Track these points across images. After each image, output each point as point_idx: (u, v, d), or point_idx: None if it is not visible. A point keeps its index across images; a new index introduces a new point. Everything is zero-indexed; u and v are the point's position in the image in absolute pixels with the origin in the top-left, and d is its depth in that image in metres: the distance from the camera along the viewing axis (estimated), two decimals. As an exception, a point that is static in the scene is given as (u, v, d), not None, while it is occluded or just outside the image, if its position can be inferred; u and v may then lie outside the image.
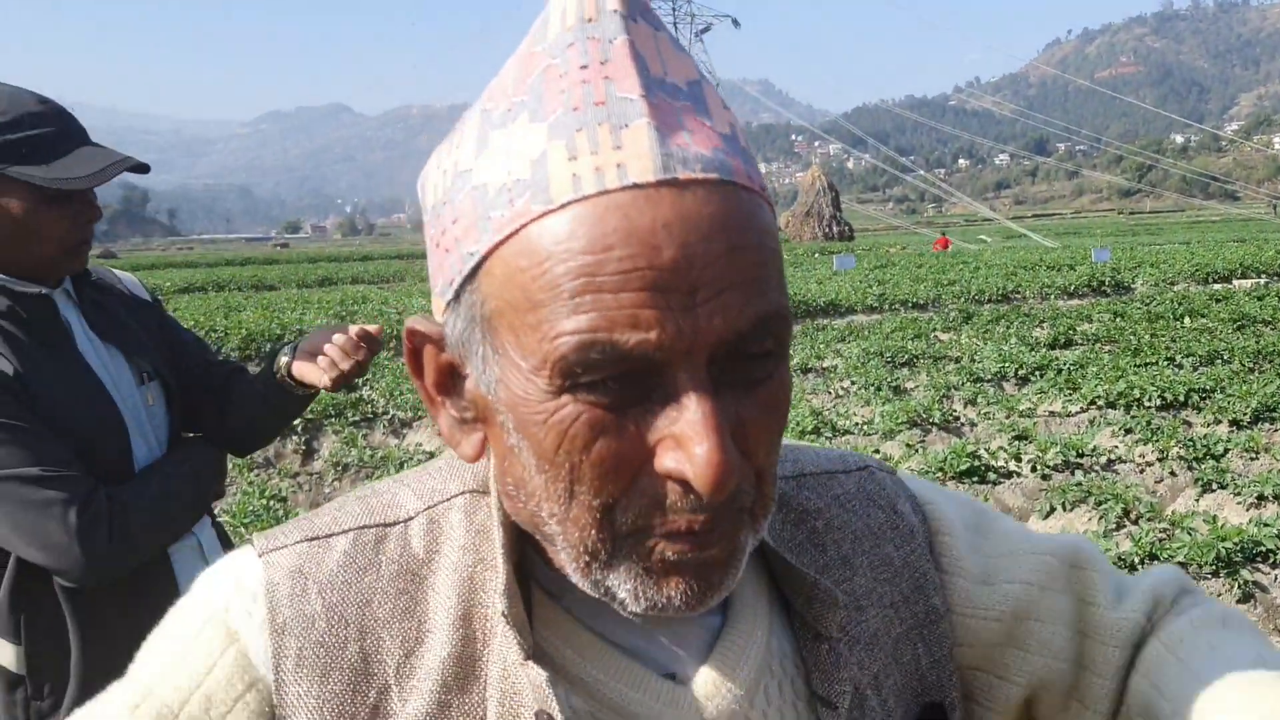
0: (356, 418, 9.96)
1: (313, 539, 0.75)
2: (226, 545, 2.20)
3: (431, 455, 8.42)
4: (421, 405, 10.17)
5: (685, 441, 0.60)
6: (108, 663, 1.81)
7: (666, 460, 0.61)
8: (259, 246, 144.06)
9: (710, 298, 0.59)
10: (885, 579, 0.85)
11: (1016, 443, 7.69)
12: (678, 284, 0.59)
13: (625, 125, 0.61)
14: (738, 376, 0.63)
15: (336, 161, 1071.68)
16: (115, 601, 1.90)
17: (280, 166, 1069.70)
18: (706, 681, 0.74)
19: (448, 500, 0.77)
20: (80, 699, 1.85)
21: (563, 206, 0.60)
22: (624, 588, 0.66)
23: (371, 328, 2.04)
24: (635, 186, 0.59)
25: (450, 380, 0.72)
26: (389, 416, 10.04)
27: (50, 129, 1.86)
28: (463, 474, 0.79)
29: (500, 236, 0.61)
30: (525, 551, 0.75)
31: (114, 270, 2.22)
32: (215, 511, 2.28)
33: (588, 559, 0.65)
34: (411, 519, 0.76)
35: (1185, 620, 0.85)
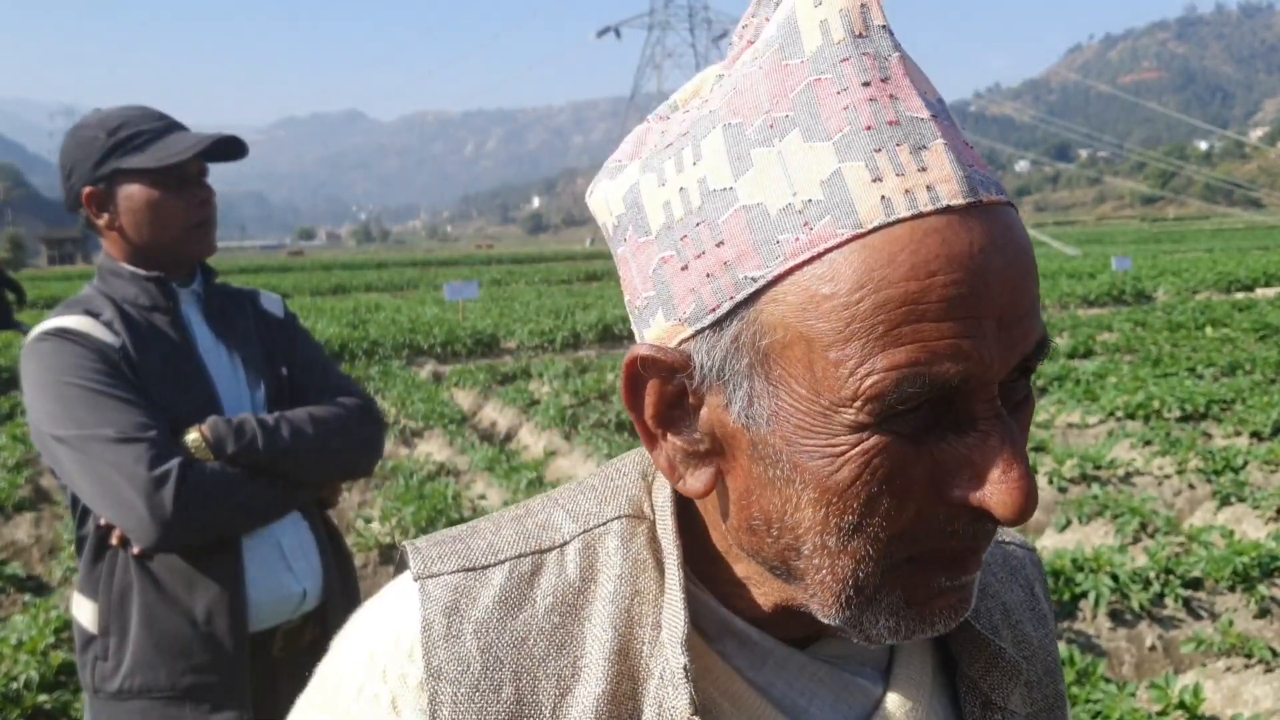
0: (373, 427, 9.97)
1: (469, 569, 0.72)
2: (335, 551, 2.26)
3: (442, 465, 8.41)
4: (432, 416, 10.19)
5: (990, 470, 0.59)
6: (160, 640, 1.96)
7: (966, 490, 0.60)
8: (273, 254, 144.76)
9: (1014, 324, 0.59)
10: (1025, 657, 0.84)
11: (1033, 454, 7.63)
12: (994, 311, 0.58)
13: (924, 146, 0.59)
14: (1008, 397, 0.63)
15: (351, 168, 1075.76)
16: (180, 581, 1.99)
17: (295, 173, 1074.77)
18: None
19: (603, 525, 0.74)
20: (133, 670, 1.97)
21: (873, 230, 0.57)
22: (884, 622, 0.64)
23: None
24: (949, 210, 0.58)
25: (674, 411, 0.67)
26: (400, 426, 10.06)
27: (150, 125, 2.08)
28: (617, 497, 0.76)
29: (797, 261, 0.58)
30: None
31: (257, 289, 2.40)
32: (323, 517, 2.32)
33: (852, 593, 0.63)
34: (567, 543, 0.73)
35: None
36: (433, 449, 9.47)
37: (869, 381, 0.57)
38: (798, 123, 0.60)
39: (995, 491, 0.59)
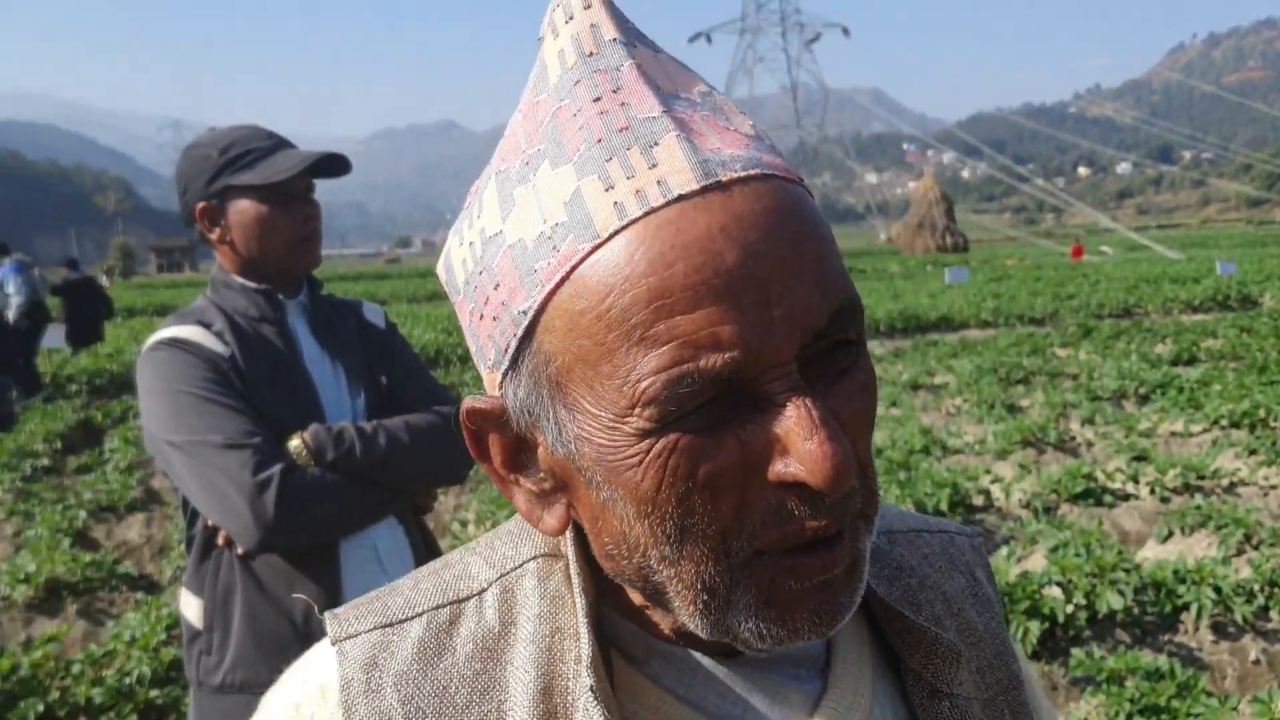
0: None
1: (386, 625, 0.71)
2: (429, 556, 2.30)
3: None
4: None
5: (794, 441, 0.58)
6: (260, 637, 2.06)
7: (777, 466, 0.59)
8: (371, 262, 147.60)
9: (783, 295, 0.58)
10: (971, 643, 0.83)
11: (1135, 464, 7.47)
12: (749, 288, 0.57)
13: (655, 143, 0.59)
14: (823, 369, 0.62)
15: (445, 177, 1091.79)
16: (281, 582, 2.08)
17: (392, 183, 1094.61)
18: None
19: (519, 566, 0.74)
20: (234, 666, 2.07)
21: (611, 237, 0.58)
22: (746, 626, 0.63)
23: None
24: (681, 198, 0.58)
25: (518, 455, 0.69)
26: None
27: (260, 144, 2.18)
28: (533, 538, 0.76)
29: (551, 285, 0.59)
30: (605, 616, 0.72)
31: (361, 300, 2.51)
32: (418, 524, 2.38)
33: (706, 598, 0.62)
34: (485, 590, 0.73)
35: None
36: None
37: (640, 388, 0.58)
38: (546, 154, 0.62)
39: (805, 459, 0.58)
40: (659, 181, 0.58)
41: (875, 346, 16.58)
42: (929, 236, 62.81)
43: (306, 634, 2.07)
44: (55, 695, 4.62)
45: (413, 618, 0.72)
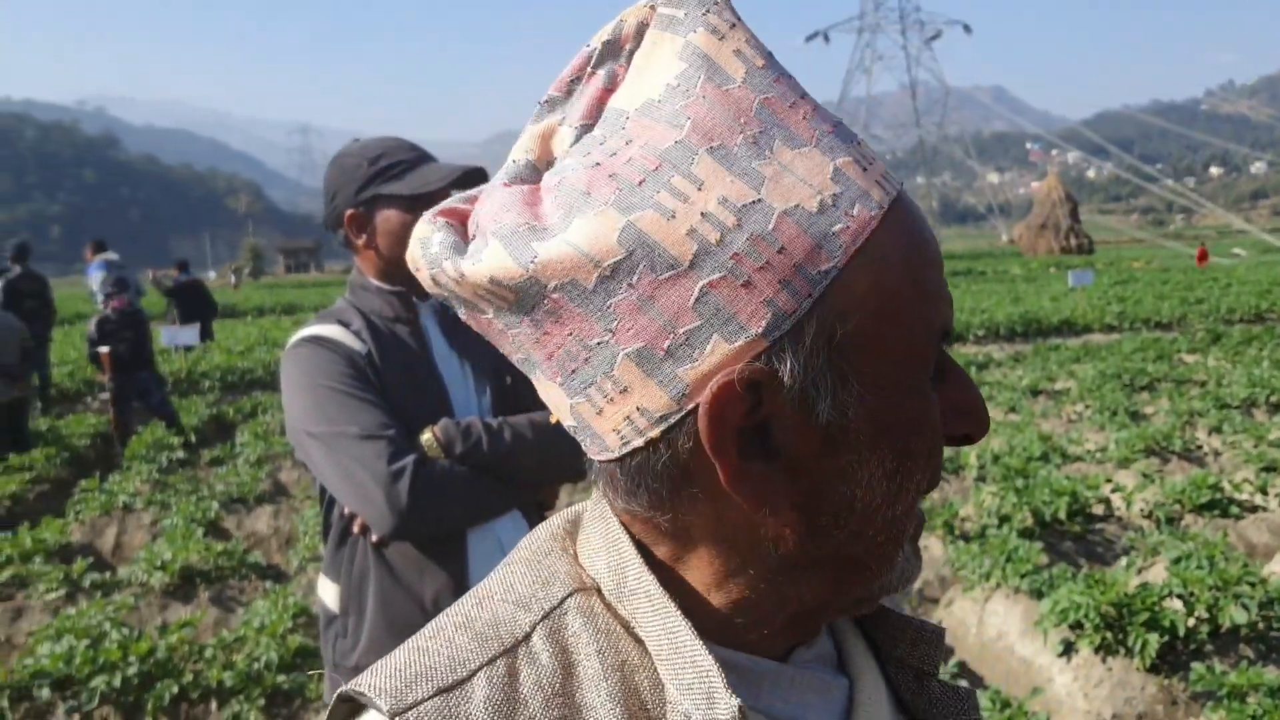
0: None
1: (445, 690, 0.65)
2: None
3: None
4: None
5: (967, 398, 0.71)
6: (392, 622, 2.17)
7: (961, 425, 0.70)
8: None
9: None
10: None
11: (1264, 474, 7.23)
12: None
13: (855, 141, 0.67)
14: None
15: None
16: (412, 570, 2.19)
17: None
18: None
19: (559, 605, 0.70)
20: (368, 648, 2.18)
21: (888, 209, 0.65)
22: (908, 571, 0.71)
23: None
24: (901, 188, 0.67)
25: (755, 437, 0.65)
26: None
27: (406, 156, 2.29)
28: (555, 574, 0.73)
29: (857, 245, 0.63)
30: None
31: None
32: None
33: (908, 547, 0.71)
34: (530, 635, 0.68)
35: None
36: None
37: (926, 340, 0.66)
38: (775, 135, 0.64)
39: (975, 413, 0.71)
40: (885, 174, 0.66)
41: (995, 350, 16.28)
42: (1052, 238, 61.22)
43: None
44: (189, 678, 4.85)
45: (469, 677, 0.66)
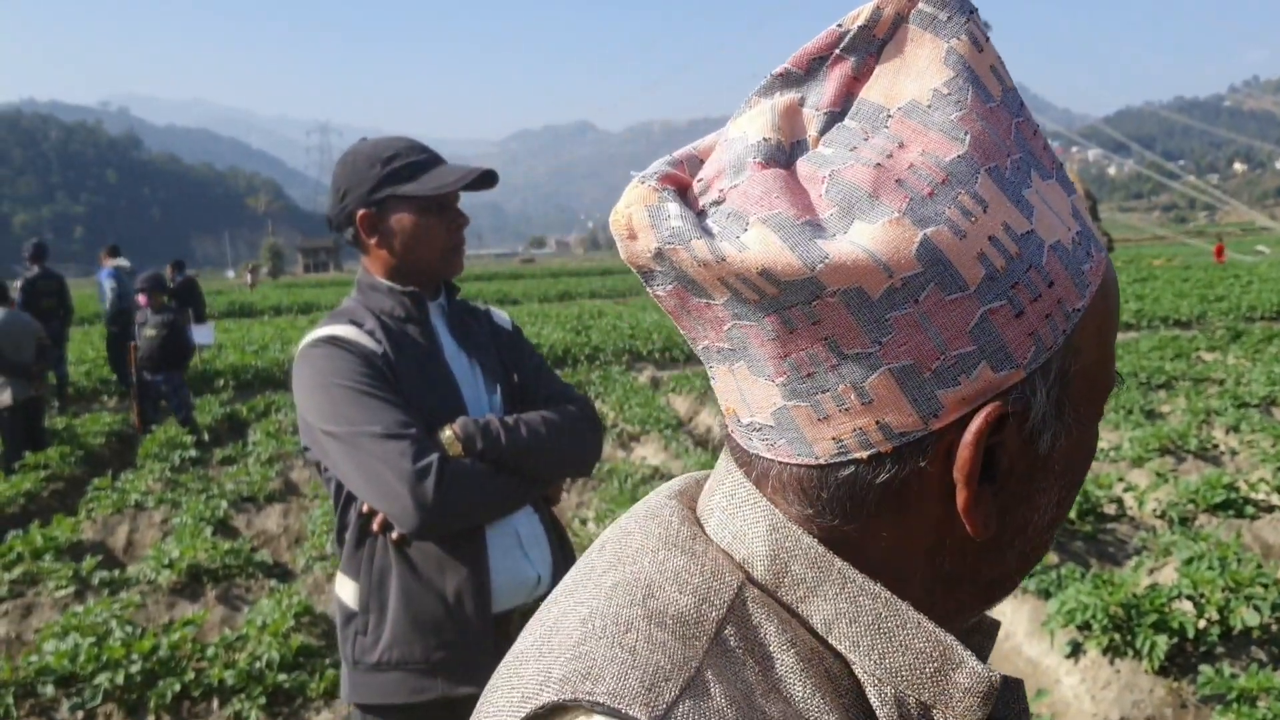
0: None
1: (686, 689, 0.61)
2: (560, 543, 2.46)
3: (656, 469, 8.53)
4: (649, 420, 10.38)
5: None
6: (415, 617, 2.20)
7: None
8: (506, 261, 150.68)
9: None
10: None
11: (1281, 474, 7.14)
12: None
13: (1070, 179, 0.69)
14: None
15: (581, 178, 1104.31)
16: (433, 565, 2.22)
17: (527, 184, 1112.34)
18: None
19: (737, 597, 0.67)
20: (391, 644, 2.21)
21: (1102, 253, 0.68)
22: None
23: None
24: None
25: (989, 463, 0.66)
26: (618, 430, 10.29)
27: (419, 157, 2.31)
28: (715, 564, 0.69)
29: (1095, 286, 0.65)
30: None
31: (487, 304, 2.67)
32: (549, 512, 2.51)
33: (1036, 564, 0.73)
34: (722, 629, 0.65)
35: None
36: (648, 453, 9.65)
37: (1111, 378, 0.70)
38: (1029, 164, 0.65)
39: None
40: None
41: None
42: (1072, 236, 61.10)
43: (458, 613, 2.20)
44: (190, 676, 4.85)
45: (697, 674, 0.62)
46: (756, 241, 0.60)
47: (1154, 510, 6.65)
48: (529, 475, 2.28)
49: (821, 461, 0.65)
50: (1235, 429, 9.02)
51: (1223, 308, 19.54)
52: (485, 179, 2.34)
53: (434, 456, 2.09)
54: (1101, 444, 8.57)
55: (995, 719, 0.69)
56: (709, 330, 0.66)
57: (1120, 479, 7.16)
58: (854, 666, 0.66)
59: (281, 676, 4.87)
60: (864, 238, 0.60)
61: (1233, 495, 6.67)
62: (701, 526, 0.72)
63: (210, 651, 5.09)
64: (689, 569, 0.68)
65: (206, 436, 11.20)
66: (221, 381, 14.85)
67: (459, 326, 2.43)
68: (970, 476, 0.63)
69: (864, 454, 0.64)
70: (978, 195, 0.61)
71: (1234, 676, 4.10)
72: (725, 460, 0.73)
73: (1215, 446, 8.50)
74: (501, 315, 2.64)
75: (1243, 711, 3.78)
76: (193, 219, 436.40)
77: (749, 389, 0.66)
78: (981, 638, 0.80)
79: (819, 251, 0.59)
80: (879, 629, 0.66)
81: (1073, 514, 6.37)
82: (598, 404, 11.15)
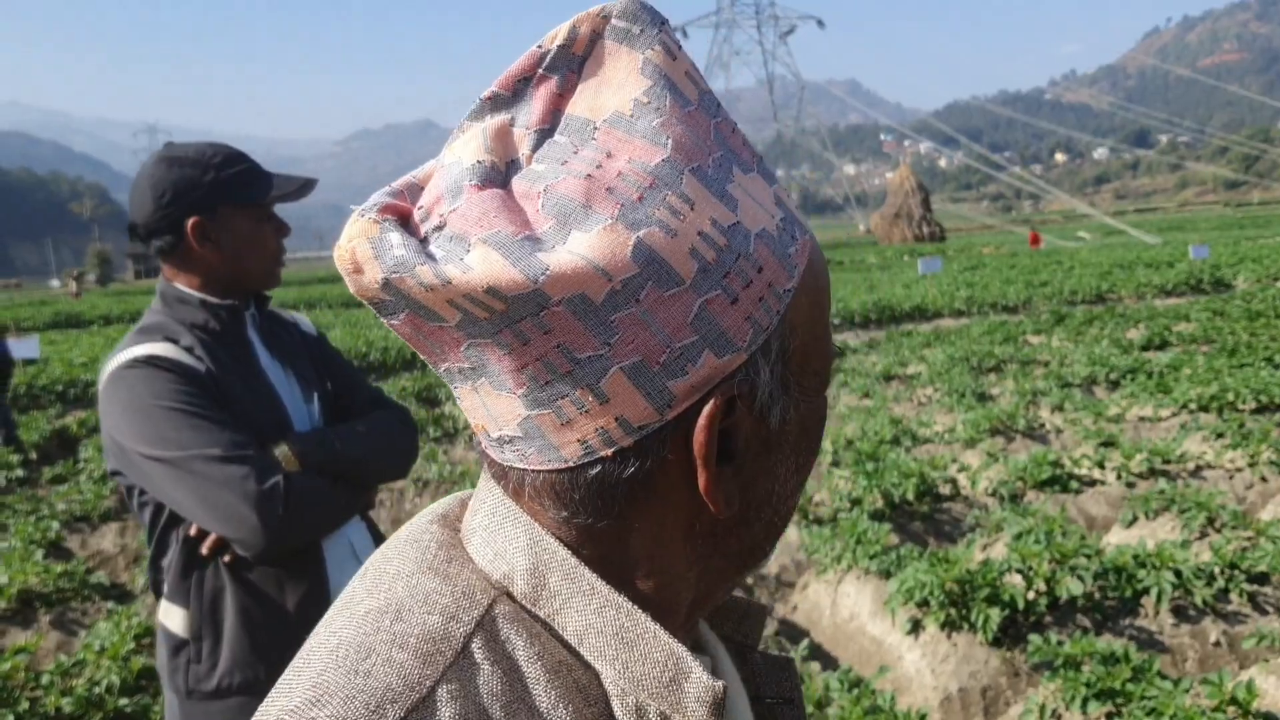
0: (438, 434, 10.17)
1: (413, 711, 0.62)
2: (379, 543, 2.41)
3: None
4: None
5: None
6: (256, 638, 2.14)
7: None
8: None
9: None
10: None
11: (1102, 450, 7.54)
12: None
13: (771, 169, 0.73)
14: None
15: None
16: (271, 583, 2.16)
17: (370, 184, 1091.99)
18: (742, 711, 0.83)
19: (487, 613, 0.68)
20: (230, 669, 2.14)
21: (808, 234, 0.73)
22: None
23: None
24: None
25: (724, 442, 0.69)
26: (470, 432, 10.19)
27: (249, 164, 2.27)
28: (468, 582, 0.71)
29: (803, 266, 0.70)
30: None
31: (290, 310, 2.61)
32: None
33: (784, 531, 0.77)
34: (468, 646, 0.66)
35: None
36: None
37: (829, 349, 0.74)
38: (729, 160, 0.69)
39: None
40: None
41: (850, 338, 16.65)
42: (906, 227, 63.00)
43: (301, 630, 2.11)
44: (25, 705, 4.64)
45: (429, 695, 0.63)
46: (479, 261, 0.62)
47: (986, 489, 6.95)
48: (360, 484, 2.28)
49: (570, 464, 0.67)
50: (1060, 408, 9.49)
51: (1047, 292, 20.46)
52: (307, 186, 2.32)
53: (278, 476, 2.04)
54: (936, 427, 8.91)
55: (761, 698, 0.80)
56: (447, 352, 0.67)
57: (954, 460, 7.46)
58: (602, 677, 0.69)
59: (123, 701, 4.69)
60: (581, 246, 0.62)
61: (1058, 471, 7.02)
62: (464, 547, 0.74)
63: (45, 679, 4.88)
64: (440, 590, 0.69)
65: (34, 455, 10.66)
66: (48, 397, 14.14)
67: (271, 337, 2.38)
68: (708, 459, 0.66)
69: (609, 451, 0.66)
70: (684, 195, 0.65)
71: (1060, 644, 4.33)
72: (485, 479, 0.75)
73: (1042, 426, 8.92)
74: (307, 323, 2.60)
75: (1069, 676, 3.99)
76: (12, 226, 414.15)
77: (493, 404, 0.68)
78: (751, 623, 0.87)
79: (540, 264, 0.61)
80: (622, 639, 0.68)
81: (910, 495, 6.61)
82: (447, 406, 11.03)
